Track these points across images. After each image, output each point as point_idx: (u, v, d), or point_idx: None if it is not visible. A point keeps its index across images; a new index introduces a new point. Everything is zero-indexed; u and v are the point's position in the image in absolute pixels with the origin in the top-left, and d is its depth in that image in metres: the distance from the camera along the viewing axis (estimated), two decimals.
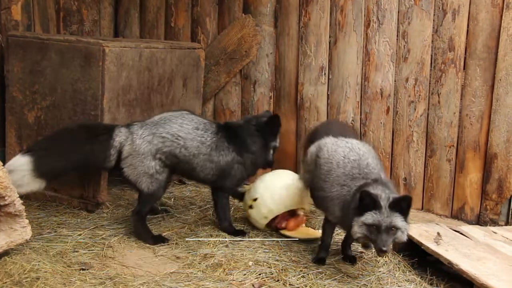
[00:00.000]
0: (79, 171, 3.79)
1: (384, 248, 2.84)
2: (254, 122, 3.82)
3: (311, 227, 3.91)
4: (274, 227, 3.81)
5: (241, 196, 4.04)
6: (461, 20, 4.18)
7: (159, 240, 3.57)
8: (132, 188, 3.90)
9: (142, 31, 5.41)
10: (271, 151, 3.86)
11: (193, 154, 3.62)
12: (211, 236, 3.70)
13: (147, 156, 3.56)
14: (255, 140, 3.76)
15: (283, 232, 3.77)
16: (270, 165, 3.91)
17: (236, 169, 3.72)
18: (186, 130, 3.63)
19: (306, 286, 3.06)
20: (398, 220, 2.87)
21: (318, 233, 3.79)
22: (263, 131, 3.79)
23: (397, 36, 4.40)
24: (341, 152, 3.23)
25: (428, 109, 4.38)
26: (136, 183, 3.59)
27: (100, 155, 3.55)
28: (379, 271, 3.28)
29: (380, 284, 3.13)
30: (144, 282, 3.00)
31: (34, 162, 3.36)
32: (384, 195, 2.91)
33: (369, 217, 2.87)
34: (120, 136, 3.58)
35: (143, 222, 3.62)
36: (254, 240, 3.68)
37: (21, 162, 3.37)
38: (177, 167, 3.68)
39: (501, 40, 4.05)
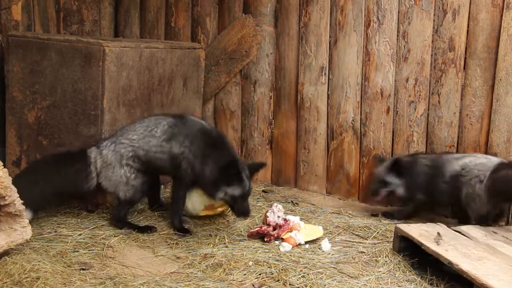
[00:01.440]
0: (62, 198, 3.85)
1: None
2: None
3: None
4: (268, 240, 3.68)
5: None
6: (461, 20, 4.18)
7: (145, 229, 3.73)
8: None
9: (142, 31, 5.41)
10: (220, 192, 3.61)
11: (146, 150, 3.71)
12: (211, 236, 3.70)
13: (115, 165, 3.70)
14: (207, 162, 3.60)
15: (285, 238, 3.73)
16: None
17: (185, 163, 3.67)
18: (139, 131, 3.75)
19: (306, 286, 3.06)
20: None
21: (319, 230, 3.79)
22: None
23: (397, 36, 4.40)
24: None
25: (428, 109, 4.38)
26: (115, 193, 3.77)
27: (79, 175, 3.70)
28: (379, 271, 3.28)
29: (380, 284, 3.13)
30: (144, 282, 3.00)
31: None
32: None
33: None
34: (93, 152, 3.75)
35: (124, 222, 3.78)
36: (254, 240, 3.68)
37: None
38: (147, 167, 3.76)
39: (501, 40, 4.05)
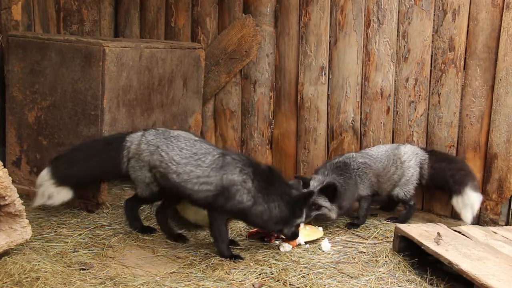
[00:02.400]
0: (98, 178, 3.93)
1: None
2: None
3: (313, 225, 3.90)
4: (268, 240, 3.69)
5: None
6: (461, 20, 4.18)
7: (146, 230, 3.70)
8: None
9: (142, 31, 5.41)
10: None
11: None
12: (211, 236, 3.69)
13: (144, 165, 3.54)
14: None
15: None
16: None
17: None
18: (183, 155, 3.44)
19: (306, 286, 3.06)
20: None
21: (320, 231, 3.79)
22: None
23: (397, 36, 4.40)
24: None
25: (428, 109, 4.38)
26: (135, 185, 3.70)
27: (115, 159, 3.63)
28: (379, 271, 3.28)
29: (380, 284, 3.13)
30: (144, 282, 3.00)
31: (51, 172, 3.67)
32: None
33: None
34: (132, 138, 3.65)
35: (135, 213, 3.74)
36: (254, 240, 3.68)
37: (43, 175, 3.70)
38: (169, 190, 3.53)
39: (501, 40, 4.04)
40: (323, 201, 3.81)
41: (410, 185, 4.13)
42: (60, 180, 3.67)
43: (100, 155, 3.72)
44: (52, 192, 3.66)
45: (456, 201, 4.02)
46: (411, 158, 4.12)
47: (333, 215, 3.88)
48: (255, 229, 3.70)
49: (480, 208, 4.25)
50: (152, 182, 3.54)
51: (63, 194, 3.69)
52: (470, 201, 3.96)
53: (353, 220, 4.10)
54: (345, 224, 4.07)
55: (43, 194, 3.66)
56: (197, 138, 3.58)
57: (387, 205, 4.47)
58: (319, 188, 3.81)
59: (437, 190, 4.32)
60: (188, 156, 3.41)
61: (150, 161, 3.49)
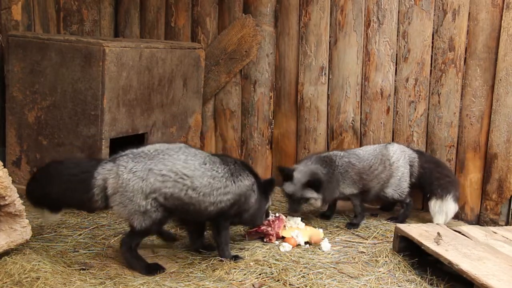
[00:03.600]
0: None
1: None
2: None
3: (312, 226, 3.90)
4: (267, 239, 3.69)
5: None
6: (461, 20, 4.18)
7: (153, 269, 3.16)
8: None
9: (142, 31, 5.41)
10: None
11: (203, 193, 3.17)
12: (211, 236, 3.70)
13: (136, 195, 3.06)
14: None
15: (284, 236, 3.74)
16: None
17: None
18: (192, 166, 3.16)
19: (306, 286, 3.06)
20: None
21: (320, 232, 3.79)
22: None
23: (397, 36, 4.40)
24: None
25: (428, 109, 4.38)
26: (129, 220, 3.16)
27: (82, 197, 3.10)
28: (379, 271, 3.27)
29: (380, 284, 3.13)
30: (144, 282, 3.00)
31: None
32: None
33: None
34: (104, 170, 3.09)
35: (134, 252, 3.21)
36: (254, 240, 3.68)
37: None
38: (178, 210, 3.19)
39: (501, 40, 4.05)
40: (310, 193, 3.82)
41: (403, 184, 4.12)
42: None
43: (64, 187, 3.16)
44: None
45: (434, 204, 4.03)
46: (400, 158, 4.12)
47: (319, 203, 3.90)
48: (254, 229, 3.70)
49: (480, 208, 4.26)
50: (150, 209, 3.10)
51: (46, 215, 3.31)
52: (447, 209, 4.00)
53: (352, 220, 4.10)
54: (344, 225, 4.06)
55: None
56: (182, 145, 3.29)
57: (385, 205, 4.47)
58: (304, 182, 3.81)
59: (416, 189, 4.30)
60: (198, 167, 3.16)
61: (144, 187, 3.06)
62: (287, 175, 3.87)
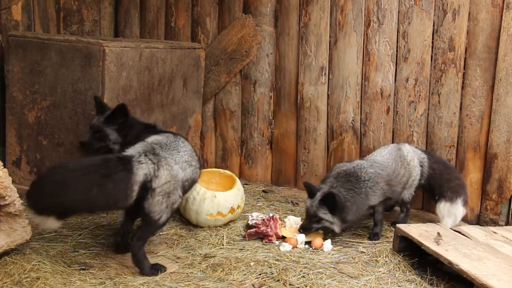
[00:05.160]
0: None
1: None
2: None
3: None
4: (267, 240, 3.68)
5: None
6: (461, 20, 4.18)
7: (156, 269, 3.15)
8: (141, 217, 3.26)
9: (142, 31, 5.41)
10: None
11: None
12: (211, 236, 3.71)
13: (179, 184, 3.21)
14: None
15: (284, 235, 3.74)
16: None
17: None
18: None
19: (306, 286, 3.06)
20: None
21: (320, 233, 3.79)
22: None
23: (397, 36, 4.40)
24: None
25: (428, 109, 4.38)
26: (157, 214, 3.12)
27: (116, 196, 2.97)
28: (379, 271, 3.28)
29: (380, 284, 3.13)
30: (144, 282, 3.00)
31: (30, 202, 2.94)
32: None
33: None
34: (144, 165, 3.06)
35: (143, 249, 3.19)
36: (254, 240, 3.68)
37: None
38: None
39: (501, 40, 4.05)
40: (323, 213, 3.59)
41: (414, 186, 4.03)
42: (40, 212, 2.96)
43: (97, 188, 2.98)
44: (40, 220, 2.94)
45: (444, 207, 3.91)
46: (414, 157, 4.02)
47: (336, 228, 3.63)
48: (254, 230, 3.71)
49: (480, 208, 4.26)
50: (179, 198, 3.26)
51: (48, 223, 2.94)
52: (456, 213, 3.90)
53: (373, 229, 3.85)
54: (367, 237, 3.87)
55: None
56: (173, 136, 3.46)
57: (386, 206, 4.40)
58: (319, 199, 3.60)
59: (424, 190, 4.26)
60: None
61: (183, 177, 3.25)
62: (311, 193, 3.69)
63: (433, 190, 4.09)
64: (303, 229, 3.68)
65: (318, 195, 3.62)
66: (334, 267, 3.32)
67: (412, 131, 4.42)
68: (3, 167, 3.03)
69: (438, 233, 3.35)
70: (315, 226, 3.65)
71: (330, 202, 3.55)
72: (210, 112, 5.18)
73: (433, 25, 4.29)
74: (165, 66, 4.44)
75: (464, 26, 4.18)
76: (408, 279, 3.21)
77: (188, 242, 3.60)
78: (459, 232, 3.55)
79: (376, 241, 3.76)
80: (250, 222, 3.80)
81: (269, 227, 3.69)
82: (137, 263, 3.13)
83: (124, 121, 3.50)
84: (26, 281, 2.92)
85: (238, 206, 3.92)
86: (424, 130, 4.40)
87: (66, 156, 4.07)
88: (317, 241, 3.63)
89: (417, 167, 4.01)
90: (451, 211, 3.89)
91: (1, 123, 4.37)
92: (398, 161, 3.92)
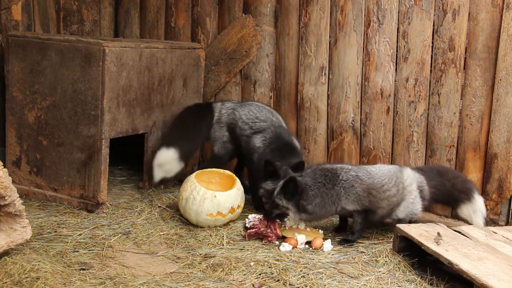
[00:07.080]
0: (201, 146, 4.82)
1: None
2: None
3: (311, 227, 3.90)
4: (268, 240, 3.68)
5: None
6: (461, 20, 4.18)
7: None
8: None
9: (142, 31, 5.42)
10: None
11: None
12: (211, 236, 3.70)
13: (224, 125, 4.43)
14: None
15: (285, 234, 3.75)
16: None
17: None
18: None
19: (306, 286, 3.06)
20: None
21: (320, 233, 3.79)
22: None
23: (397, 36, 4.40)
24: None
25: (428, 109, 4.38)
26: (212, 145, 4.52)
27: (202, 127, 4.45)
28: (379, 271, 3.28)
29: (380, 284, 3.13)
30: (144, 282, 3.00)
31: (178, 152, 4.23)
32: None
33: None
34: (216, 108, 4.52)
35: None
36: (254, 240, 3.68)
37: (170, 154, 4.22)
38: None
39: (501, 40, 4.05)
40: (279, 199, 3.61)
41: (416, 206, 3.86)
42: (184, 158, 4.28)
43: (201, 128, 4.43)
44: (176, 167, 4.26)
45: (466, 209, 3.89)
46: (412, 183, 3.85)
47: (292, 215, 3.62)
48: (254, 230, 3.71)
49: None
50: (229, 139, 4.46)
51: (180, 167, 4.30)
52: (478, 207, 3.89)
53: (347, 236, 3.79)
54: (338, 241, 3.78)
55: (168, 170, 4.26)
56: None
57: None
58: (281, 185, 3.58)
59: (439, 204, 4.23)
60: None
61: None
62: (272, 172, 3.72)
63: (448, 203, 4.09)
64: (265, 214, 3.73)
65: (281, 182, 3.61)
66: (334, 267, 3.32)
67: (412, 131, 4.42)
68: (3, 167, 3.03)
69: (438, 233, 3.35)
70: (275, 211, 3.68)
71: (290, 188, 3.57)
72: None
73: (433, 25, 4.29)
74: (165, 66, 4.44)
75: (464, 26, 4.18)
76: (408, 279, 3.21)
77: (188, 242, 3.60)
78: (459, 232, 3.55)
79: (377, 242, 3.76)
80: (248, 225, 3.80)
81: (268, 227, 3.69)
82: None
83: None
84: (26, 281, 2.91)
85: (238, 206, 3.92)
86: (424, 130, 4.41)
87: (66, 156, 4.07)
88: (317, 241, 3.64)
89: (414, 191, 3.84)
90: (474, 208, 3.90)
91: (1, 123, 4.37)
92: (393, 179, 3.76)
